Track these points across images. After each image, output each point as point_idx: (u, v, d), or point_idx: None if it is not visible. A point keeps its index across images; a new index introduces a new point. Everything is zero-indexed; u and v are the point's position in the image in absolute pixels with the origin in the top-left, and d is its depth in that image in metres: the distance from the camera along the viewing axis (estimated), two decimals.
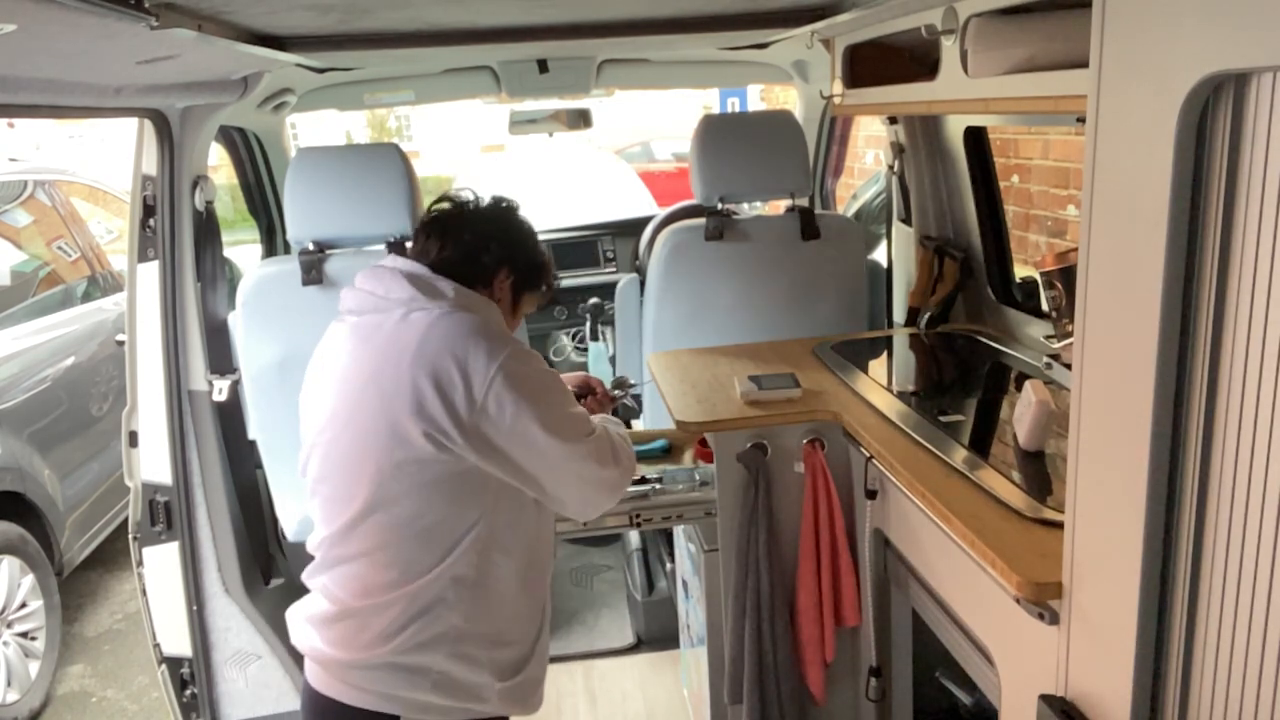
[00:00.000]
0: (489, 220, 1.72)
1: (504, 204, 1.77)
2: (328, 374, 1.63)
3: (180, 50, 1.75)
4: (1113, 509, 1.06)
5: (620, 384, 2.24)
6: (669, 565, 3.21)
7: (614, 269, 4.24)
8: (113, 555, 4.47)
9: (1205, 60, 0.86)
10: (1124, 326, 1.01)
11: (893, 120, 2.83)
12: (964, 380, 2.48)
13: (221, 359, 2.61)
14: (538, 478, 1.58)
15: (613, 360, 3.39)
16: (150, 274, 2.49)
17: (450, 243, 1.67)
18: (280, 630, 2.68)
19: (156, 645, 2.61)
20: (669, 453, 2.36)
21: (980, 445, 1.85)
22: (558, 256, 4.23)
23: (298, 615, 1.64)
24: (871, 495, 1.90)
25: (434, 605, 1.54)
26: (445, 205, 1.73)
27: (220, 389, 2.58)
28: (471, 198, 1.75)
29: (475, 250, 1.67)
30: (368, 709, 1.53)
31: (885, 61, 2.18)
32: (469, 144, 16.36)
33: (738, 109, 11.31)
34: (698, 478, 2.19)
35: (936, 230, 2.80)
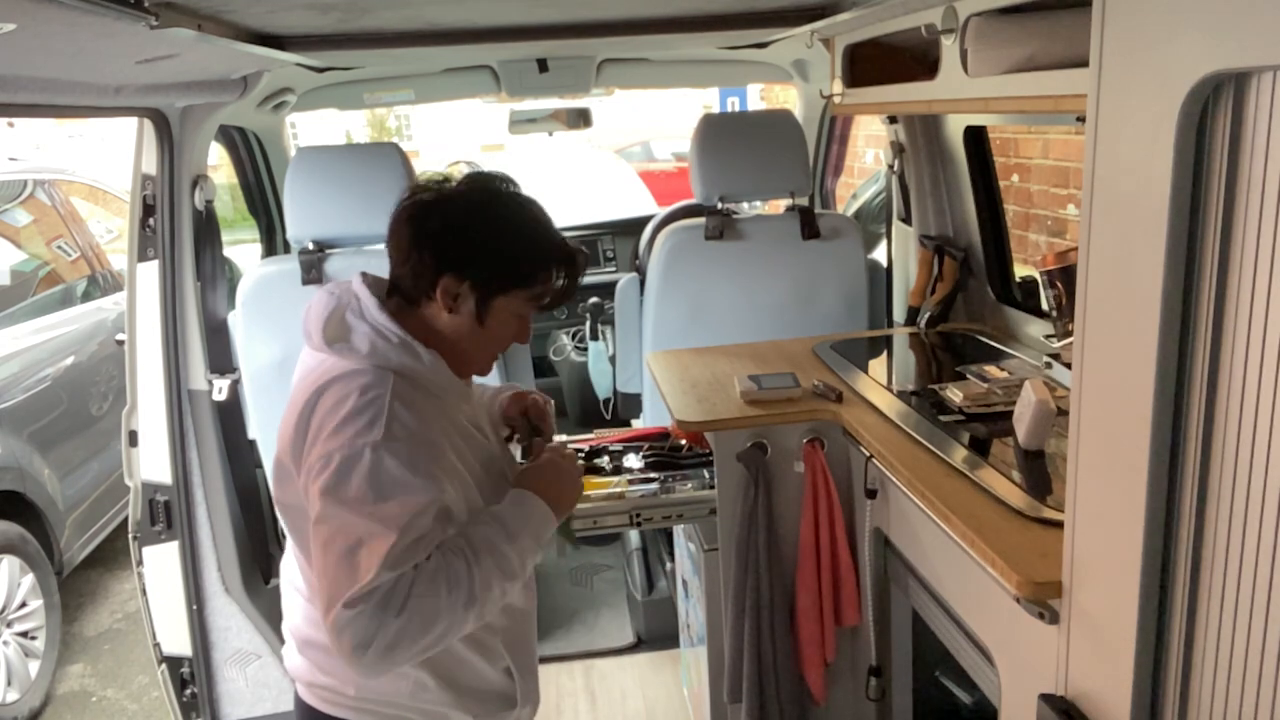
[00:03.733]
0: (434, 214, 1.41)
1: (478, 186, 1.44)
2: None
3: (180, 50, 1.75)
4: (1113, 509, 1.06)
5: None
6: (669, 565, 3.21)
7: (614, 268, 4.24)
8: (113, 555, 4.47)
9: (1205, 60, 0.85)
10: (1124, 326, 1.01)
11: (893, 120, 2.83)
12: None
13: (221, 358, 2.61)
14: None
15: (613, 360, 3.39)
16: (150, 273, 2.49)
17: (393, 249, 1.43)
18: (280, 629, 2.69)
19: (156, 645, 2.61)
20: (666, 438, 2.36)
21: (980, 445, 1.85)
22: None
23: (286, 633, 1.63)
24: (871, 495, 1.90)
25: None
26: (419, 196, 1.44)
27: (220, 388, 2.58)
28: (445, 180, 1.45)
29: (410, 256, 1.40)
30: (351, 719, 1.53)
31: (885, 61, 2.18)
32: (469, 143, 16.35)
33: (738, 108, 11.31)
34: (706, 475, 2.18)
35: (936, 229, 2.80)
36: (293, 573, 1.56)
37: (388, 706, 1.51)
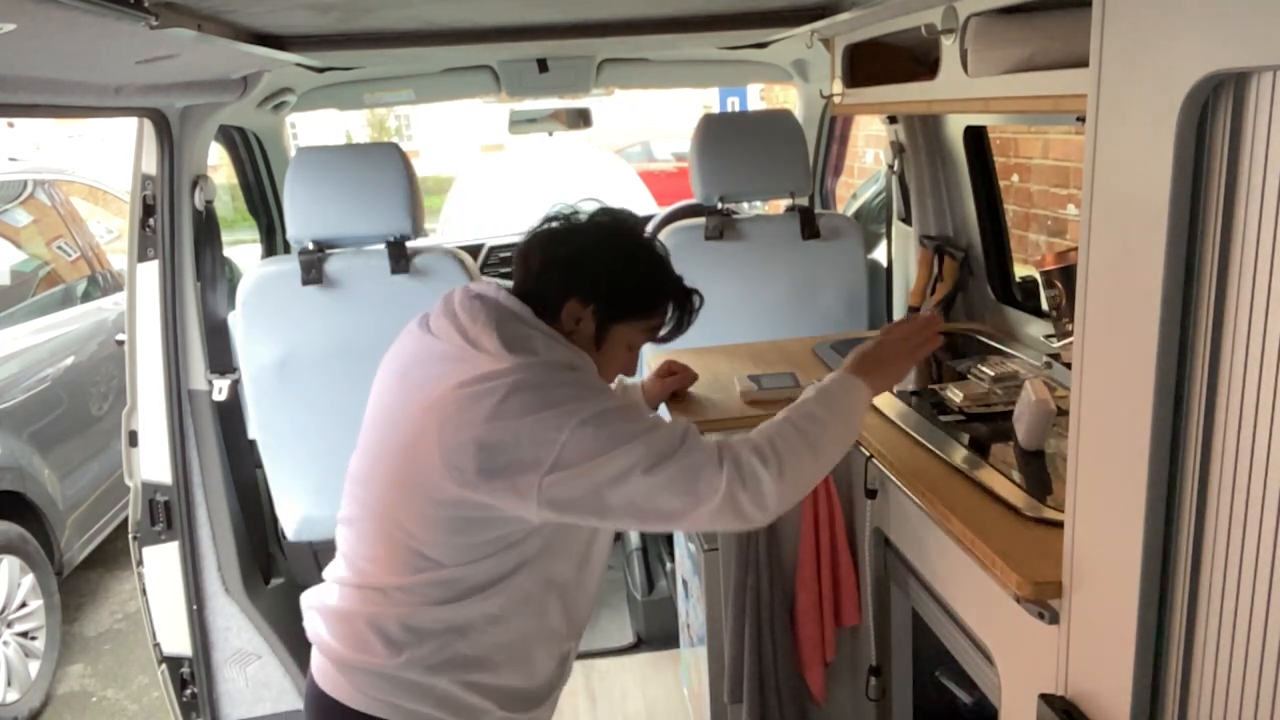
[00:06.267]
0: (564, 242, 1.53)
1: (605, 218, 1.56)
2: (392, 374, 1.52)
3: (180, 50, 1.75)
4: (1113, 509, 1.06)
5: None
6: (669, 565, 3.21)
7: None
8: (113, 555, 4.47)
9: (1205, 60, 0.85)
10: (1124, 326, 1.01)
11: (893, 120, 2.83)
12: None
13: (221, 358, 2.61)
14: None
15: None
16: (150, 274, 2.49)
17: (521, 268, 1.53)
18: (280, 630, 2.69)
19: (156, 645, 2.61)
20: None
21: (980, 445, 1.85)
22: None
23: (310, 602, 1.61)
24: (871, 495, 1.90)
25: (449, 632, 1.49)
26: (550, 224, 1.56)
27: (220, 388, 2.58)
28: (575, 211, 1.57)
29: (539, 278, 1.51)
30: (369, 713, 1.52)
31: (885, 61, 2.18)
32: (469, 143, 16.35)
33: (738, 108, 11.31)
34: None
35: (936, 229, 2.80)
36: (364, 565, 1.52)
37: (426, 692, 1.51)
